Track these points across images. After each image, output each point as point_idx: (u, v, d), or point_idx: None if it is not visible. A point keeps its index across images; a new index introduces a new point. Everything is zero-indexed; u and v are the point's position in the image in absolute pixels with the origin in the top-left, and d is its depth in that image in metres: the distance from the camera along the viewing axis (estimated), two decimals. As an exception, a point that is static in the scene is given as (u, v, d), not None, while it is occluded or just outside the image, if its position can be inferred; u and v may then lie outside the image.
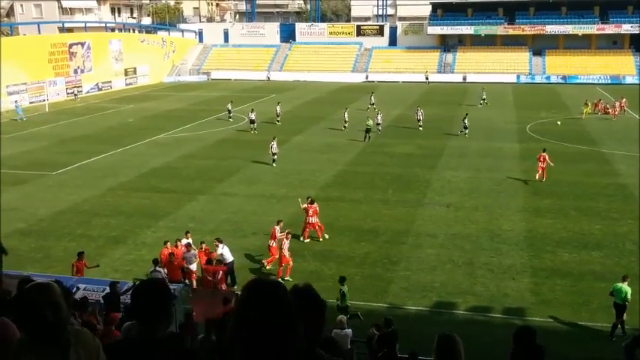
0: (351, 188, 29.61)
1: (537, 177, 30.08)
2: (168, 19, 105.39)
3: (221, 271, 18.39)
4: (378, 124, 42.55)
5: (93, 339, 3.53)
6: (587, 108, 48.24)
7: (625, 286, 15.82)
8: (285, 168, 33.04)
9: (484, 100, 57.26)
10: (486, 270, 19.93)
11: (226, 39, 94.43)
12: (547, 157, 30.40)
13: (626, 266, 19.89)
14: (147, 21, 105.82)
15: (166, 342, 3.42)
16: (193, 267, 18.78)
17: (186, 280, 18.44)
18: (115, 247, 22.23)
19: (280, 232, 20.20)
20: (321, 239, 22.56)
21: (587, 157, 35.63)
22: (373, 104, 53.61)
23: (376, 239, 22.74)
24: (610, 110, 48.64)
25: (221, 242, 19.04)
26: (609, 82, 74.98)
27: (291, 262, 19.50)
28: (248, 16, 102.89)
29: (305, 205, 22.58)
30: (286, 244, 19.52)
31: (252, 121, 43.55)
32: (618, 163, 34.10)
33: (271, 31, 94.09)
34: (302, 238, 22.33)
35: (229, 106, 49.55)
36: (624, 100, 50.90)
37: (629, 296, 15.69)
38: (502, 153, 36.89)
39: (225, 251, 18.83)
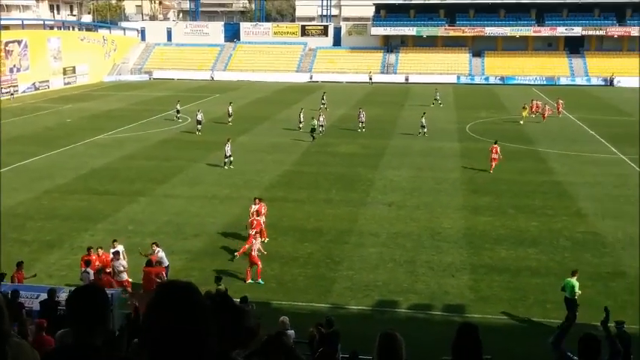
0: (295, 188, 29.63)
1: (491, 168, 32.22)
2: (109, 17, 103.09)
3: (163, 272, 18.06)
4: (321, 125, 42.60)
5: (32, 351, 3.41)
6: (526, 111, 49.05)
7: (574, 281, 16.27)
8: (229, 168, 32.76)
9: (437, 100, 58.10)
10: (427, 268, 20.23)
11: (169, 38, 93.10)
12: (498, 148, 32.25)
13: (560, 262, 20.57)
14: (87, 19, 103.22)
15: (103, 348, 3.33)
16: (124, 277, 17.95)
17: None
18: (50, 251, 21.56)
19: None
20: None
21: (524, 155, 36.63)
22: (325, 104, 54.01)
23: (319, 239, 22.79)
24: (545, 111, 49.69)
25: (158, 246, 18.67)
26: (545, 83, 77.43)
27: (260, 265, 19.20)
28: (192, 14, 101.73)
29: (255, 207, 22.32)
30: (256, 245, 19.35)
31: (198, 122, 43.02)
32: (553, 161, 35.21)
33: (215, 30, 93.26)
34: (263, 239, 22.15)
35: (178, 106, 48.89)
36: (561, 101, 52.34)
37: (576, 290, 16.13)
38: (443, 152, 37.57)
39: (162, 255, 18.46)
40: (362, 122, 44.30)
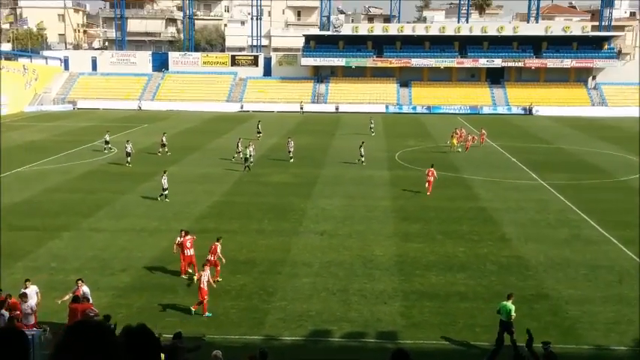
0: (227, 219, 29.32)
1: (428, 190, 34.04)
2: (30, 46, 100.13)
3: (92, 308, 17.39)
4: (251, 155, 41.92)
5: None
6: (455, 139, 49.75)
7: (509, 304, 16.64)
8: (158, 200, 32.13)
9: (372, 128, 58.98)
10: (360, 296, 20.33)
11: (94, 67, 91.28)
12: (434, 172, 34.16)
13: (487, 286, 21.13)
14: (7, 47, 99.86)
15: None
16: (31, 320, 16.83)
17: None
18: (-32, 291, 20.42)
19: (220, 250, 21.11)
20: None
21: (451, 182, 37.58)
22: (260, 133, 54.05)
23: (252, 270, 22.58)
24: (468, 142, 50.63)
25: (83, 282, 17.99)
26: (469, 112, 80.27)
27: (206, 297, 18.87)
28: (118, 43, 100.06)
29: (180, 240, 21.99)
30: (205, 276, 18.92)
31: (128, 154, 41.94)
32: (478, 188, 36.32)
33: (143, 59, 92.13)
34: (182, 274, 21.77)
35: (107, 137, 47.77)
36: (484, 131, 53.78)
37: (513, 313, 16.49)
38: (373, 180, 38.12)
39: (86, 290, 17.77)
40: (290, 152, 44.30)
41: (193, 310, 18.76)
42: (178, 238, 22.05)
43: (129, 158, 41.74)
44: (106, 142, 47.43)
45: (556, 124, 69.96)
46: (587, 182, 38.00)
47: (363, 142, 44.42)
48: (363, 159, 42.68)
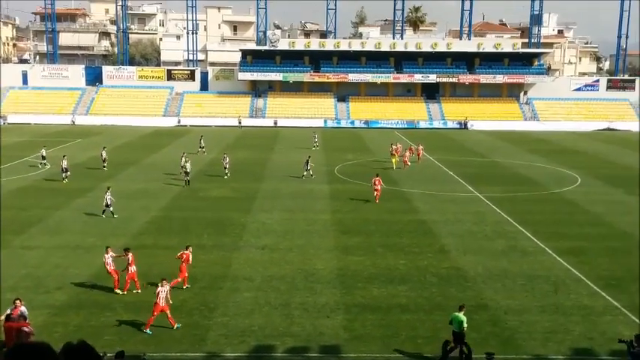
0: (166, 234, 28.81)
1: (376, 198, 35.36)
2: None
3: (29, 326, 16.73)
4: (188, 172, 40.72)
5: None
6: (395, 158, 49.32)
7: (461, 315, 16.83)
8: (94, 216, 31.27)
9: (316, 142, 59.11)
10: (302, 310, 20.26)
11: (25, 81, 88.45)
12: (380, 180, 35.48)
13: (428, 298, 21.44)
14: None
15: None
16: None
17: None
18: None
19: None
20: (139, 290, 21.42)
21: (391, 196, 38.03)
22: (203, 147, 53.48)
23: (193, 286, 22.18)
24: (405, 157, 50.66)
25: (21, 301, 17.31)
26: (406, 126, 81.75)
27: (154, 317, 18.42)
28: (50, 57, 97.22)
29: (127, 257, 21.49)
30: (163, 291, 18.46)
31: (65, 170, 40.61)
32: (417, 201, 36.93)
33: (76, 73, 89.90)
34: (119, 291, 21.27)
35: (43, 152, 46.41)
36: (421, 147, 54.27)
37: (464, 325, 16.69)
38: (313, 194, 38.23)
39: (24, 309, 17.10)
40: (226, 167, 43.69)
41: (175, 326, 18.43)
42: (106, 257, 21.47)
43: (64, 174, 40.53)
44: (43, 158, 46.12)
45: (490, 137, 72.05)
46: (522, 194, 39.22)
47: (309, 157, 44.63)
48: (310, 172, 42.97)
